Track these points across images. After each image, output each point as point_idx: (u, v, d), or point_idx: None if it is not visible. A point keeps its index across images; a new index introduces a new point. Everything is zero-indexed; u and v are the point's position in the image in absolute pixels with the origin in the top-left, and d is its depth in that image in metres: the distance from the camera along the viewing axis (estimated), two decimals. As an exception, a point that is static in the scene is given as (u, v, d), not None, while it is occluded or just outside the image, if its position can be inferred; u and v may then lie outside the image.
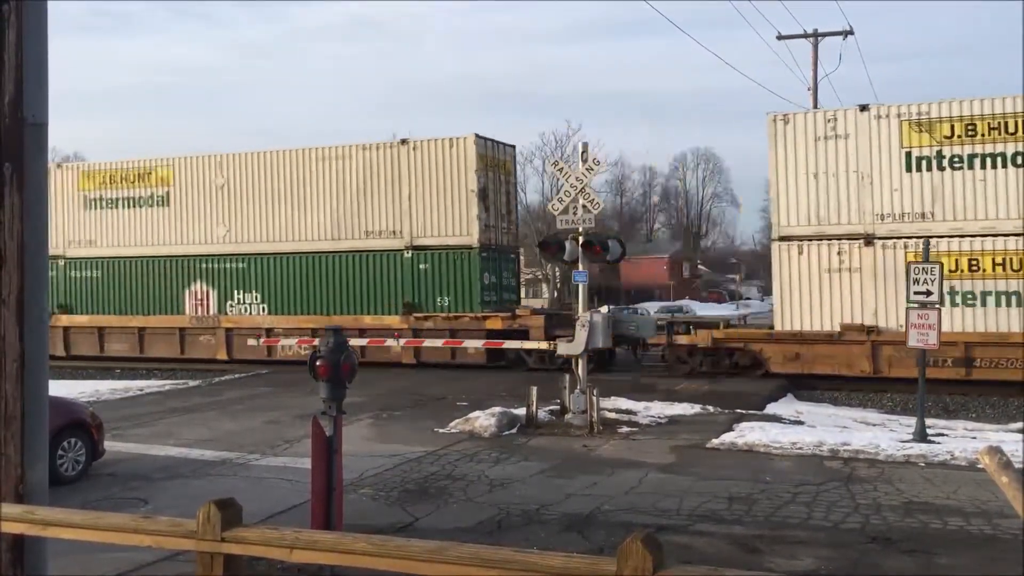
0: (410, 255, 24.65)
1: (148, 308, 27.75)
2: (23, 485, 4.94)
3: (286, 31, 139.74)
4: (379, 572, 3.98)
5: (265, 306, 26.27)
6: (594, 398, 14.62)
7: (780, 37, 35.78)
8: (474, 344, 23.05)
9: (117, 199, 28.36)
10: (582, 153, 16.65)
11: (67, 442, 11.33)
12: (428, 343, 23.60)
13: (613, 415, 15.50)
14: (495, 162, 25.08)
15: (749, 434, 13.83)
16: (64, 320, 28.29)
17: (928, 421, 14.40)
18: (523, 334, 22.87)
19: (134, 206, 28.13)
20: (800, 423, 15.64)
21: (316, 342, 18.10)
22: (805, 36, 35.56)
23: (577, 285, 16.05)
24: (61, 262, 28.64)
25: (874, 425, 16.41)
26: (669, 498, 10.21)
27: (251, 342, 26.00)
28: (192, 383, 22.72)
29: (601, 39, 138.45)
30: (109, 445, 12.57)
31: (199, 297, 27.14)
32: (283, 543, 4.05)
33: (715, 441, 13.48)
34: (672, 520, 9.33)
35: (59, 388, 15.53)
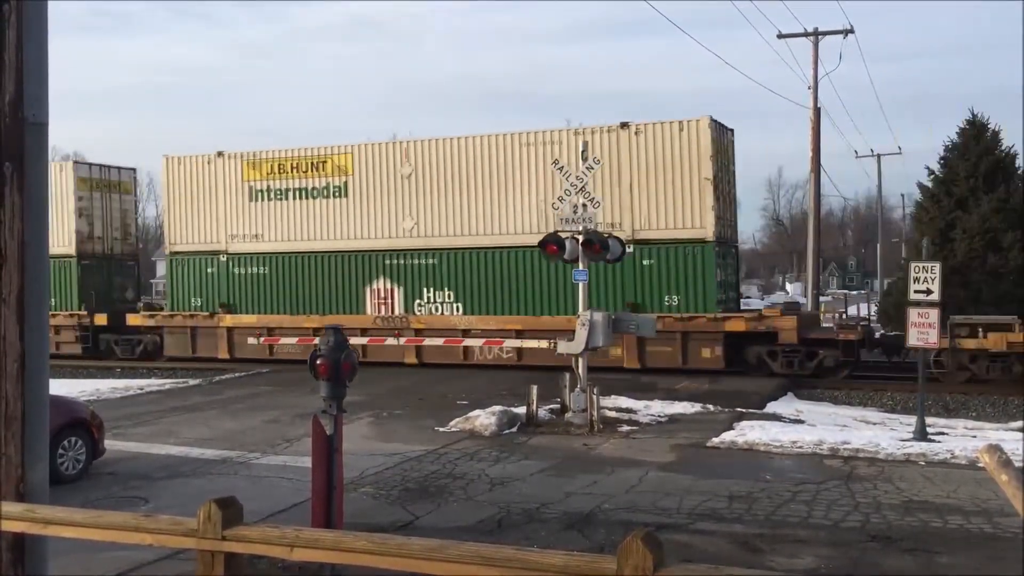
0: (632, 249, 21.97)
1: (323, 307, 25.40)
2: (24, 485, 4.95)
3: (286, 31, 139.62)
4: (380, 570, 3.99)
5: (460, 305, 24.06)
6: (594, 397, 14.64)
7: (781, 36, 35.78)
8: (475, 343, 23.03)
9: (287, 190, 26.05)
10: (582, 152, 16.70)
11: (67, 441, 11.32)
12: (428, 342, 23.55)
13: (613, 414, 15.51)
14: (722, 147, 22.84)
15: (749, 433, 13.85)
16: (228, 320, 26.31)
17: (928, 420, 14.42)
18: (771, 337, 21.50)
19: (307, 197, 25.83)
20: (800, 422, 15.65)
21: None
22: (805, 35, 35.54)
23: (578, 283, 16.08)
24: (223, 257, 26.68)
25: (874, 424, 16.44)
26: (669, 497, 10.22)
27: (251, 340, 25.88)
28: (192, 382, 22.72)
29: (601, 39, 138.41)
30: (109, 444, 12.58)
31: (382, 296, 24.88)
32: (284, 541, 4.05)
33: (715, 440, 13.49)
34: (672, 519, 9.34)
35: (59, 387, 15.54)
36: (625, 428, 14.62)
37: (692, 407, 16.54)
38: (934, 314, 13.76)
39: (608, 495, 10.33)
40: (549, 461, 12.29)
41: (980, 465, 9.85)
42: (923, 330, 13.75)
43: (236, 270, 26.63)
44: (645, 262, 22.30)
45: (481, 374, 22.10)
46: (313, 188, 25.80)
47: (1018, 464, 3.52)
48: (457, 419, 14.94)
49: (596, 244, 15.50)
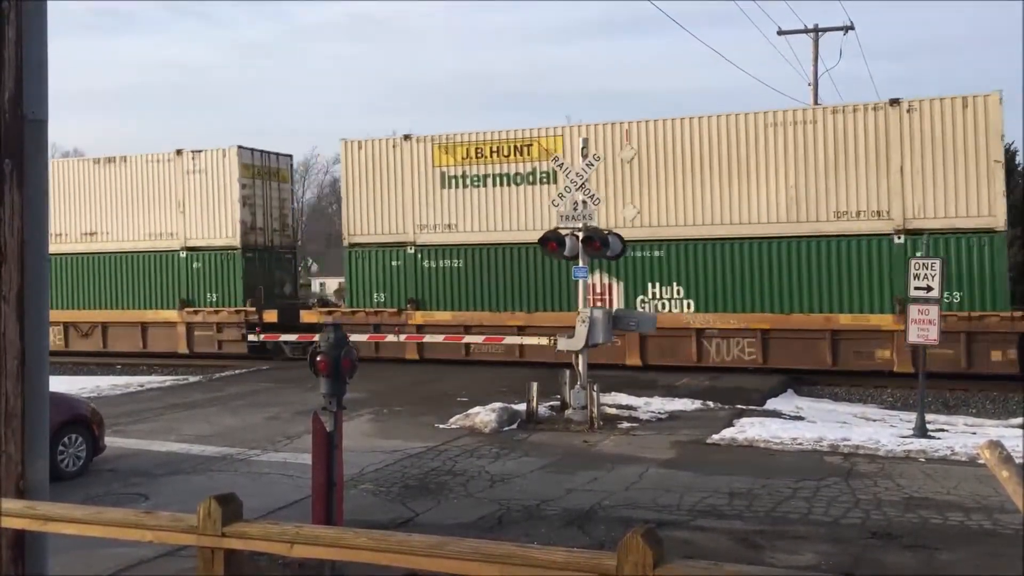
0: (901, 240, 20.06)
1: (528, 303, 23.17)
2: (24, 482, 4.95)
3: (286, 30, 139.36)
4: (380, 567, 3.99)
5: (691, 301, 21.73)
6: (594, 394, 14.64)
7: (781, 32, 35.80)
8: (475, 340, 22.97)
9: (486, 176, 23.63)
10: (582, 149, 16.67)
11: (68, 438, 11.34)
12: (429, 338, 23.47)
13: (613, 411, 15.52)
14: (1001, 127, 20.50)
15: (749, 430, 13.86)
16: (418, 317, 24.11)
17: (928, 417, 14.42)
18: None
19: (509, 183, 23.43)
20: (800, 419, 15.66)
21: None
22: (805, 31, 35.55)
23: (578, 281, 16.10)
24: (410, 249, 24.33)
25: (874, 421, 16.43)
26: (669, 493, 10.23)
27: (251, 337, 25.76)
28: (193, 379, 22.74)
29: (600, 38, 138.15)
30: (110, 441, 12.59)
31: (599, 291, 22.47)
32: (284, 538, 4.06)
33: (715, 437, 13.50)
34: (673, 515, 9.34)
35: (59, 384, 15.54)
36: (625, 425, 14.63)
37: (692, 404, 16.55)
38: (934, 311, 13.77)
39: (608, 492, 10.34)
40: (549, 458, 12.30)
41: (980, 462, 9.86)
42: (923, 327, 13.76)
43: (426, 263, 24.34)
44: (919, 253, 19.08)
45: (482, 370, 22.09)
46: (516, 174, 23.49)
47: (1019, 461, 3.52)
48: (457, 416, 14.95)
49: (596, 241, 15.52)
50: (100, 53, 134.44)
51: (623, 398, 16.70)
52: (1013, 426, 15.73)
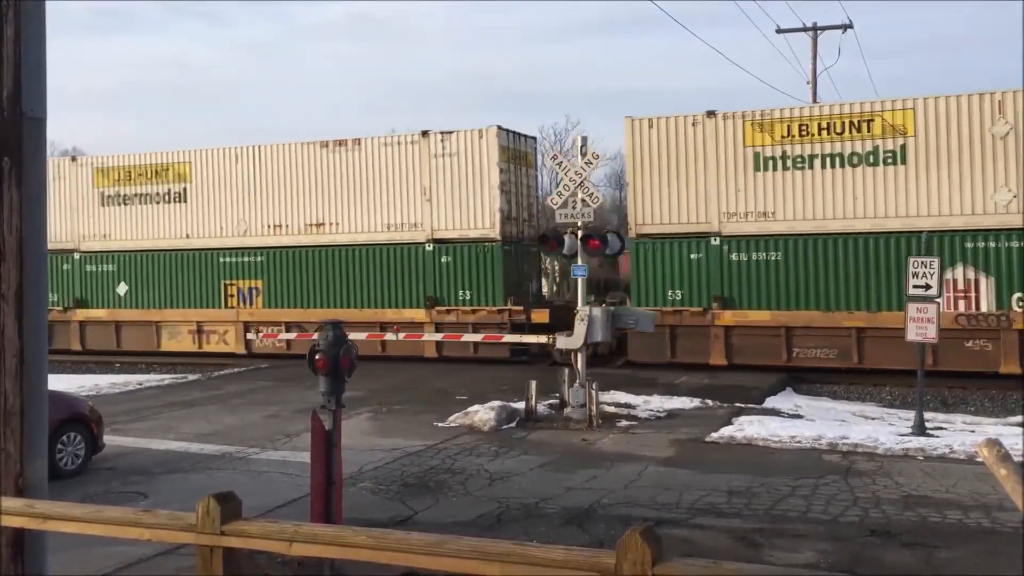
0: None
1: (867, 301, 20.28)
2: (23, 480, 4.95)
3: (286, 30, 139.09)
4: (379, 565, 3.99)
5: None
6: (593, 392, 14.65)
7: (779, 31, 35.81)
8: (473, 339, 22.90)
9: (811, 156, 20.75)
10: (581, 147, 16.65)
11: (66, 436, 11.35)
12: (428, 337, 23.40)
13: (612, 409, 15.52)
14: None
15: (748, 428, 13.86)
16: (727, 317, 21.38)
17: (927, 415, 14.43)
18: None
19: (842, 164, 20.43)
20: (799, 417, 15.67)
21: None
22: (804, 30, 35.56)
23: (576, 279, 16.11)
24: (715, 240, 21.36)
25: (873, 419, 16.44)
26: (668, 491, 10.23)
27: (250, 335, 25.66)
28: (191, 377, 22.72)
29: (601, 38, 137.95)
30: (109, 439, 12.60)
31: (960, 288, 19.58)
32: (283, 536, 4.06)
33: (714, 435, 13.50)
34: (672, 513, 9.35)
35: (58, 382, 15.55)
36: (624, 423, 14.63)
37: (691, 402, 16.54)
38: (932, 309, 13.77)
39: (607, 490, 10.34)
40: (548, 456, 12.30)
41: (979, 460, 9.86)
42: (922, 325, 13.77)
43: (734, 256, 21.45)
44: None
45: (482, 369, 22.07)
46: (852, 153, 20.46)
47: (1017, 459, 3.52)
48: (456, 414, 14.95)
49: (595, 240, 15.54)
50: (99, 53, 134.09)
51: (622, 396, 16.69)
52: (1011, 424, 15.73)
